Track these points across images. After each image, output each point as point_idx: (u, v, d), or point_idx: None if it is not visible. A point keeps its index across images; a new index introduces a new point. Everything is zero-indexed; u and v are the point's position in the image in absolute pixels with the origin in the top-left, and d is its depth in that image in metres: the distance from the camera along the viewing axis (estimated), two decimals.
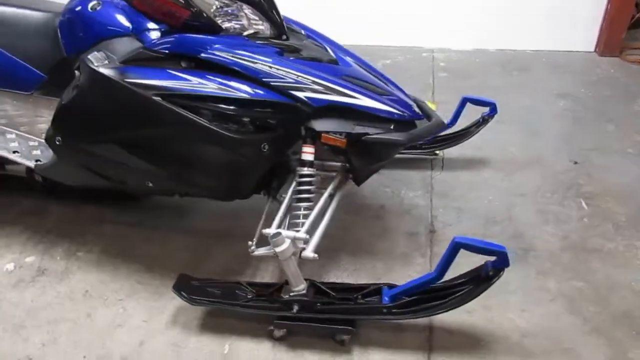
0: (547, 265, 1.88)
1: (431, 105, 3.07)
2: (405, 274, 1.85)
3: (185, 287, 1.65)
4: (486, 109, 2.40)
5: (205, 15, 1.59)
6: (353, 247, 1.99)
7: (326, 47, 1.82)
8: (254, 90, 1.54)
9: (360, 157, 1.69)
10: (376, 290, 1.58)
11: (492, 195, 2.29)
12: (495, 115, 2.42)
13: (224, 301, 1.60)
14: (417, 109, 1.77)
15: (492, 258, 1.40)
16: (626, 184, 2.34)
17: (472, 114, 2.45)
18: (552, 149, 2.65)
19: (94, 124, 1.62)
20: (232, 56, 1.55)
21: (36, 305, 1.76)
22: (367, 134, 1.60)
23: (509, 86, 3.43)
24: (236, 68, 1.55)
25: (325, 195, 1.75)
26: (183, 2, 1.56)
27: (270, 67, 1.56)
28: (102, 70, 1.54)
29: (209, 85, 1.53)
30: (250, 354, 1.57)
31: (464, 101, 2.35)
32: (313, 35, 1.89)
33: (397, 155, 2.46)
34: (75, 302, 1.78)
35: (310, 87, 1.57)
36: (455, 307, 1.47)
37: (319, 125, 1.60)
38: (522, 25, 3.99)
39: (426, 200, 2.27)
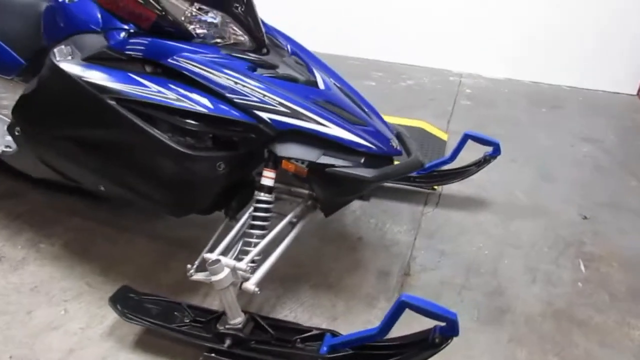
0: (523, 332, 1.70)
1: (442, 135, 2.93)
2: (364, 318, 1.71)
3: (123, 300, 1.57)
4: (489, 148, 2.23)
5: (174, 19, 1.50)
6: (317, 279, 1.86)
7: (309, 66, 1.71)
8: (215, 105, 1.45)
9: (323, 189, 1.58)
10: (318, 335, 1.46)
11: (482, 242, 2.12)
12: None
13: (157, 322, 1.51)
14: (395, 144, 1.63)
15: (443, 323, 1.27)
16: (636, 248, 2.12)
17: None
18: (562, 198, 2.45)
19: (50, 118, 1.56)
20: (198, 67, 1.46)
21: None
22: (332, 165, 1.48)
23: (534, 123, 3.23)
24: (200, 80, 1.46)
25: (284, 223, 1.63)
26: (149, 3, 1.47)
27: (236, 82, 1.46)
28: (61, 65, 1.48)
29: (168, 95, 1.44)
30: None
31: (466, 137, 2.19)
32: (298, 51, 1.77)
33: (390, 185, 2.33)
34: (20, 296, 1.73)
35: (276, 109, 1.46)
36: None
37: (281, 150, 1.49)
38: (562, 59, 3.77)
39: (410, 237, 2.12)
